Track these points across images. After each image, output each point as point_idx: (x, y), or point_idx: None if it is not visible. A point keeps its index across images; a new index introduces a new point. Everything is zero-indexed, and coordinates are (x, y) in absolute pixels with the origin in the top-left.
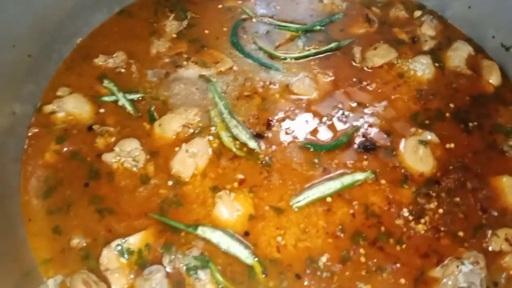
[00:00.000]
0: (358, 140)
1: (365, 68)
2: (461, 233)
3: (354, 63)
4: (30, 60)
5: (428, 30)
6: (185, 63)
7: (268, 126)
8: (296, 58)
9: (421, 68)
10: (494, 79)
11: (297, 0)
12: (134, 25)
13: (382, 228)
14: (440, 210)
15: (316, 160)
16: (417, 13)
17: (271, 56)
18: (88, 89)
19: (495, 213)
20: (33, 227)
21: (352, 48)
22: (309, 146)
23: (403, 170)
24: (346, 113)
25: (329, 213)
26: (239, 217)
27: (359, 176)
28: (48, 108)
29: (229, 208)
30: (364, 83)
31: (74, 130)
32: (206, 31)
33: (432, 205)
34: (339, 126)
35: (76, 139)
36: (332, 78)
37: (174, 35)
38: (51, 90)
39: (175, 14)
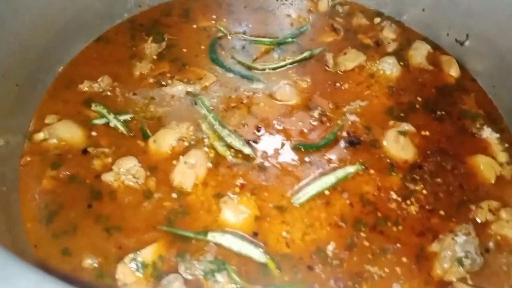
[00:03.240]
0: (344, 136)
1: (338, 72)
2: (445, 211)
3: (328, 68)
4: (17, 90)
5: (389, 34)
6: (169, 81)
7: (259, 132)
8: (274, 69)
9: (389, 67)
10: (453, 71)
11: (266, 16)
12: (113, 50)
13: (379, 214)
14: (425, 191)
15: (308, 159)
16: (377, 20)
17: (250, 68)
18: (76, 114)
19: (474, 188)
20: (41, 252)
21: (324, 55)
22: (300, 146)
23: (388, 160)
24: (328, 113)
25: (329, 206)
26: (245, 219)
27: (350, 169)
28: (39, 136)
29: (235, 211)
30: (339, 84)
31: (69, 155)
32: (185, 50)
33: (418, 188)
34: (324, 125)
35: (71, 163)
36: (310, 83)
37: (155, 57)
38: (39, 118)
39: (153, 37)
